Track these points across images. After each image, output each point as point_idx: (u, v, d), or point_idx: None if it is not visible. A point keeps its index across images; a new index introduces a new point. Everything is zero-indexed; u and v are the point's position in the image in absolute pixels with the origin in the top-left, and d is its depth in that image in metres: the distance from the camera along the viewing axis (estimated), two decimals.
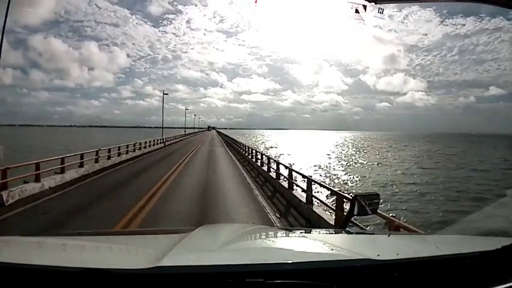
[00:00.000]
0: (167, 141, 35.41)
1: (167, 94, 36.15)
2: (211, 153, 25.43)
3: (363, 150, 54.14)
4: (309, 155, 38.93)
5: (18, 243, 1.33)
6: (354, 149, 57.68)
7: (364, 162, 34.28)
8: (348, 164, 32.34)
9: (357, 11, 1.40)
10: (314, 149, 51.57)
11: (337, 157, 40.00)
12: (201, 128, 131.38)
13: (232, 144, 33.52)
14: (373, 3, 1.39)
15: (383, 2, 1.42)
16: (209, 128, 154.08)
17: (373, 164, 32.46)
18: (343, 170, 27.25)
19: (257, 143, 62.91)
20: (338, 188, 13.37)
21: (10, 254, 1.09)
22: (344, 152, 49.52)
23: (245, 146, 23.50)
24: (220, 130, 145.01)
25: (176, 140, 41.28)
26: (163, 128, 38.93)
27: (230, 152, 26.20)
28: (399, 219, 5.74)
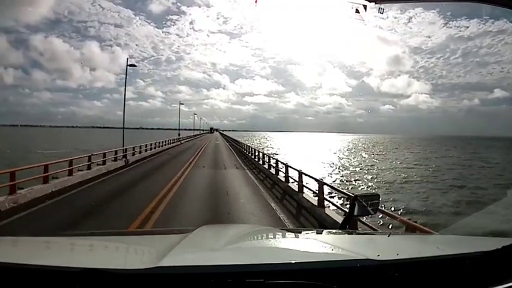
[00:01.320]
0: (148, 150, 21.77)
1: (135, 65, 22.99)
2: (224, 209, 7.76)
3: (385, 158, 44.03)
4: (332, 164, 31.93)
5: (18, 243, 1.33)
6: (376, 156, 46.98)
7: (407, 177, 23.96)
8: (388, 181, 22.32)
9: (357, 11, 1.40)
10: (330, 155, 46.31)
11: (366, 168, 29.86)
12: (203, 130, 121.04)
13: (253, 161, 18.49)
14: (373, 3, 1.39)
15: (383, 2, 1.42)
16: (211, 130, 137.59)
17: (421, 181, 22.36)
18: (394, 197, 16.59)
19: (265, 146, 55.27)
20: None
21: (10, 254, 1.09)
22: (368, 160, 38.40)
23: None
24: (223, 132, 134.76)
25: (160, 149, 25.34)
26: (124, 128, 20.05)
27: (266, 192, 10.37)
28: None
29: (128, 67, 19.79)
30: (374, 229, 5.01)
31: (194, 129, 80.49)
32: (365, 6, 1.39)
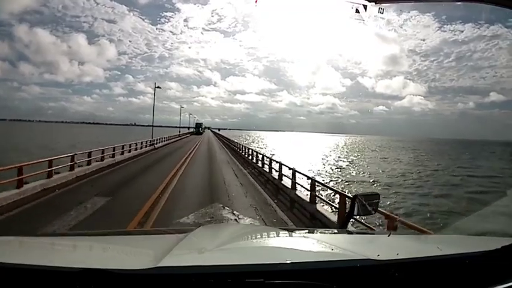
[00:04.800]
0: None
1: (159, 88, 17.18)
2: None
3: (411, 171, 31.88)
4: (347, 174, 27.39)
5: (18, 243, 1.33)
6: (400, 166, 35.79)
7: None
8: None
9: (357, 11, 1.40)
10: (339, 159, 42.39)
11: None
12: (189, 128, 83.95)
13: None
14: (373, 3, 1.39)
15: (383, 2, 1.41)
16: (200, 129, 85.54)
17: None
18: None
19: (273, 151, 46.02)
20: None
21: (10, 254, 1.09)
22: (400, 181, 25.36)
23: None
24: (220, 132, 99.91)
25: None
26: None
27: None
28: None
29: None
30: (371, 229, 4.99)
31: (151, 126, 31.94)
32: (365, 6, 1.39)
